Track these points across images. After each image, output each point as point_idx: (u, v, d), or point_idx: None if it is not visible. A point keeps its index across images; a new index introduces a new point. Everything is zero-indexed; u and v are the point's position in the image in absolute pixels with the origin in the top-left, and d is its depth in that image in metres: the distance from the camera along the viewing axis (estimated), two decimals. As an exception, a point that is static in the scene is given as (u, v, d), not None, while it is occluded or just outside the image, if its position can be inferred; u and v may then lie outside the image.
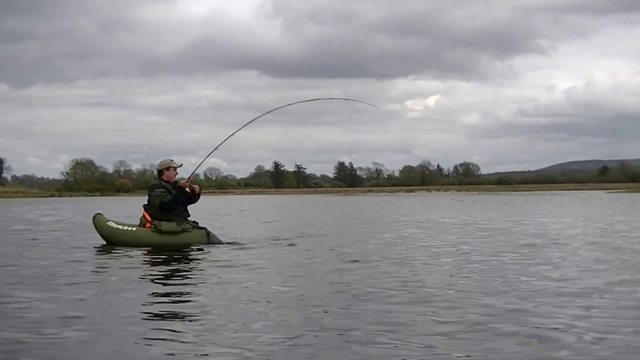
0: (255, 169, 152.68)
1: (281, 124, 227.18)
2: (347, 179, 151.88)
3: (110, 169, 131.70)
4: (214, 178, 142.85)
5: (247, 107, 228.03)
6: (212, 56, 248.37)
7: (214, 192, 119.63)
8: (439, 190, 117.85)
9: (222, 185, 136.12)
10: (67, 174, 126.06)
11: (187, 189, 11.78)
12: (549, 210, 28.57)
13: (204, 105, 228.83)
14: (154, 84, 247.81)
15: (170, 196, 11.58)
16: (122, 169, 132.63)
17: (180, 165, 12.09)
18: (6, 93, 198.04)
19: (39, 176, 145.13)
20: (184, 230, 11.60)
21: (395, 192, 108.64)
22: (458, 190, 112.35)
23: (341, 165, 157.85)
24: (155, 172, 12.42)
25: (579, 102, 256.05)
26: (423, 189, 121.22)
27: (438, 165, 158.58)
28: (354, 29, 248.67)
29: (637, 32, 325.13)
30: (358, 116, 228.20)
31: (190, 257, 10.42)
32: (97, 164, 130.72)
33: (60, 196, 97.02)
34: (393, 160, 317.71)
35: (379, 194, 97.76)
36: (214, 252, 10.82)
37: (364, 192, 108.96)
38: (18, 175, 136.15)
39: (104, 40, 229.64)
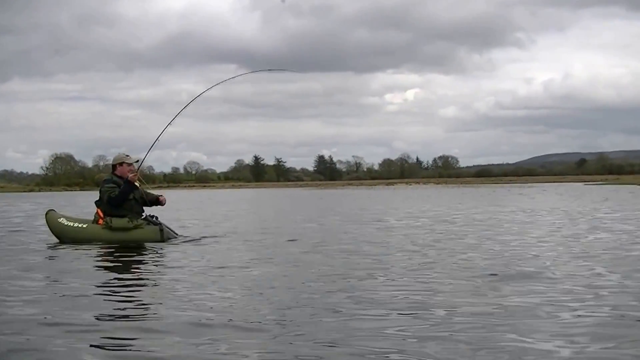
0: (235, 163, 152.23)
1: (261, 117, 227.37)
2: (327, 172, 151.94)
3: (89, 163, 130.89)
4: (193, 172, 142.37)
5: (226, 100, 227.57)
6: (191, 50, 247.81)
7: (193, 186, 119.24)
8: (418, 183, 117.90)
9: (202, 179, 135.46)
10: (47, 168, 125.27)
11: (136, 183, 11.53)
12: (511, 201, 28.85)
13: (182, 98, 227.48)
14: (132, 78, 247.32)
15: (117, 191, 11.34)
16: (101, 163, 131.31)
17: (136, 161, 11.82)
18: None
19: (18, 171, 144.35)
20: (136, 227, 11.32)
21: (375, 185, 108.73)
22: (437, 183, 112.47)
23: (321, 158, 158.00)
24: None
25: (557, 94, 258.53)
26: (403, 182, 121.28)
27: (417, 158, 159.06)
28: (333, 22, 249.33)
29: (614, 25, 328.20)
30: (338, 109, 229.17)
31: (135, 254, 10.19)
32: (77, 158, 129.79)
33: (39, 191, 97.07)
34: (373, 154, 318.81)
35: (358, 187, 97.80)
36: (165, 248, 10.70)
37: (343, 186, 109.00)
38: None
39: (81, 34, 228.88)
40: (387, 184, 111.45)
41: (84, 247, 10.89)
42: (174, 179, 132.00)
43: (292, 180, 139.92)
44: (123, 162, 11.68)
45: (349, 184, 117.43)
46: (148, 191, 12.01)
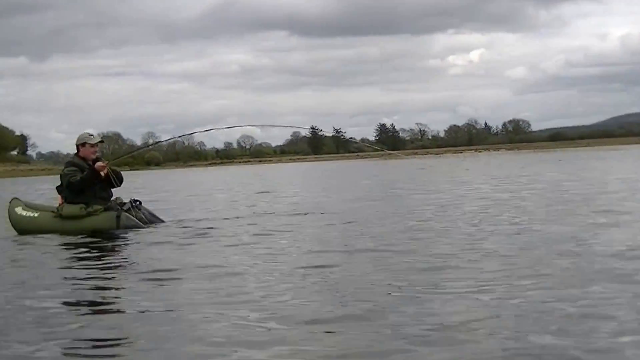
0: (291, 135, 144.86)
1: (315, 86, 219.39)
2: (389, 141, 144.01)
3: (138, 141, 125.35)
4: (247, 147, 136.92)
5: (278, 70, 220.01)
6: (237, 18, 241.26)
7: (248, 161, 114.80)
8: (488, 150, 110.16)
9: (257, 154, 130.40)
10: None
11: (102, 173, 10.40)
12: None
13: (231, 70, 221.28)
14: (176, 51, 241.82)
15: (79, 176, 10.34)
16: (150, 140, 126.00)
17: (101, 142, 10.83)
18: (25, 66, 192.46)
19: (65, 152, 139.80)
20: (89, 214, 10.33)
21: (443, 153, 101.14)
22: (509, 149, 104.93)
23: (382, 127, 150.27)
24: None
25: (636, 49, 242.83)
26: (472, 149, 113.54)
27: (485, 124, 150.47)
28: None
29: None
30: (397, 75, 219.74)
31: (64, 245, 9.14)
32: (124, 137, 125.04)
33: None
34: (437, 120, 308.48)
35: (425, 156, 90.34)
36: (110, 238, 9.61)
37: (408, 155, 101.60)
38: (43, 152, 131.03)
39: (120, 7, 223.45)
40: (455, 152, 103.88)
41: (27, 239, 9.94)
42: (227, 155, 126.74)
43: (353, 152, 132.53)
44: (85, 143, 10.66)
45: (415, 154, 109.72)
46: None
